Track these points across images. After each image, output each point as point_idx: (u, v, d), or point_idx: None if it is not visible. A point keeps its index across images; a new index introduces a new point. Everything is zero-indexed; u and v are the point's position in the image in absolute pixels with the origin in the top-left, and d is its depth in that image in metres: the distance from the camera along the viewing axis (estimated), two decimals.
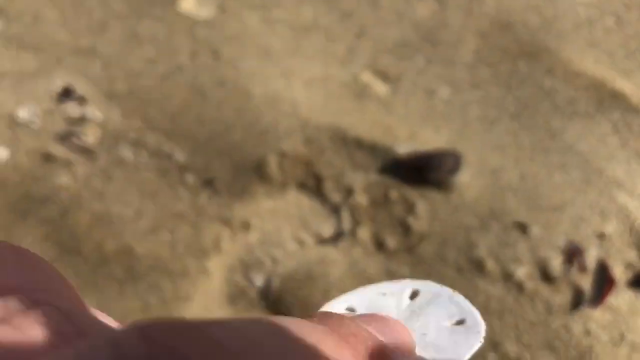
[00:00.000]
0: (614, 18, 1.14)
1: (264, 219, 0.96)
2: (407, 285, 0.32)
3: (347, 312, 0.31)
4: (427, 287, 0.32)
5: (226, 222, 0.95)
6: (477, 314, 0.30)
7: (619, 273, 0.91)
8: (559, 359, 0.85)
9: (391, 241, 0.93)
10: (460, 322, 0.30)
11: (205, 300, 0.91)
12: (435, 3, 1.15)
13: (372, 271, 0.92)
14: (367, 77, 1.08)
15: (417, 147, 1.00)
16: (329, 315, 0.24)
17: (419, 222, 0.94)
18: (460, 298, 0.31)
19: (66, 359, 0.18)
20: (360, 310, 0.31)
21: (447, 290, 0.32)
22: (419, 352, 0.28)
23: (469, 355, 0.28)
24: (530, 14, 1.14)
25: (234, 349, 0.17)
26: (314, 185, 0.98)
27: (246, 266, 0.93)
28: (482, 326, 0.29)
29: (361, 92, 1.06)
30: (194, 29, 1.12)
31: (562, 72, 1.08)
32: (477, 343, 0.29)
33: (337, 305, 0.32)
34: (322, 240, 0.95)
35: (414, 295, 0.32)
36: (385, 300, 0.32)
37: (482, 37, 1.12)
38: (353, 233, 0.94)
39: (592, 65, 1.08)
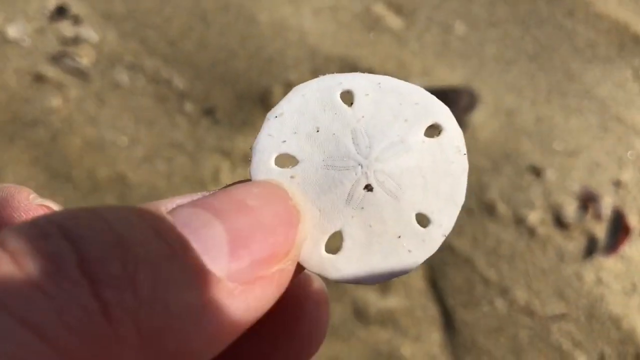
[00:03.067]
0: None
1: None
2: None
3: None
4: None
5: (226, 153, 0.90)
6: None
7: (635, 222, 0.87)
8: (569, 307, 0.82)
9: None
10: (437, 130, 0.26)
11: None
12: None
13: None
14: (380, 9, 1.02)
15: (431, 84, 0.95)
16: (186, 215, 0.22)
17: None
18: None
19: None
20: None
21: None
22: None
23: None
24: None
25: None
26: None
27: None
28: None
29: (374, 24, 1.00)
30: None
31: (583, 14, 1.03)
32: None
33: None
34: None
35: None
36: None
37: None
38: None
39: (615, 8, 1.03)
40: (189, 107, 0.93)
